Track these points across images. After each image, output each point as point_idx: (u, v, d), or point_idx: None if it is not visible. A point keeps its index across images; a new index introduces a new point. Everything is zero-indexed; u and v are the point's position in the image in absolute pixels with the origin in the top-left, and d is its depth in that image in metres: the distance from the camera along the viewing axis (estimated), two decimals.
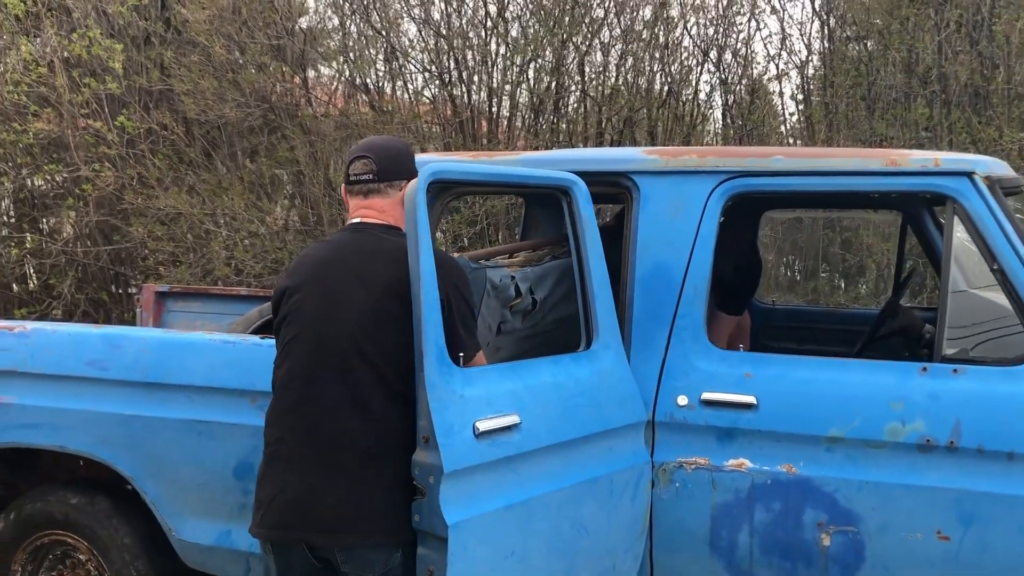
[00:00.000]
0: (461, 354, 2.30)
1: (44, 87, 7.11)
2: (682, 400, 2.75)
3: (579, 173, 2.83)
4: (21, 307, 7.41)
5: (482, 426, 2.21)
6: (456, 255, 2.72)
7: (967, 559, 2.50)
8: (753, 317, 4.48)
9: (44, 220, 7.96)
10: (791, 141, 7.07)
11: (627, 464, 2.65)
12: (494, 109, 7.18)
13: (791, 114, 7.29)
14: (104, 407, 3.11)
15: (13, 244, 7.21)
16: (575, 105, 7.15)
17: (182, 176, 7.12)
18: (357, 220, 2.42)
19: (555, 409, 2.45)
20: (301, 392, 2.26)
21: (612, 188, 3.03)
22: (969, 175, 2.66)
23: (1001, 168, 2.85)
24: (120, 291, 7.63)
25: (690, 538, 2.73)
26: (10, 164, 7.21)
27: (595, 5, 6.97)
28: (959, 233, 2.66)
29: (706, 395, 2.73)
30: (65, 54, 7.08)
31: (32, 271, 7.72)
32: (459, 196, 3.49)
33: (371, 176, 2.41)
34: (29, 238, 7.32)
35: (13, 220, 7.60)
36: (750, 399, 2.68)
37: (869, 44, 7.16)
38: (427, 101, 7.43)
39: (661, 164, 2.93)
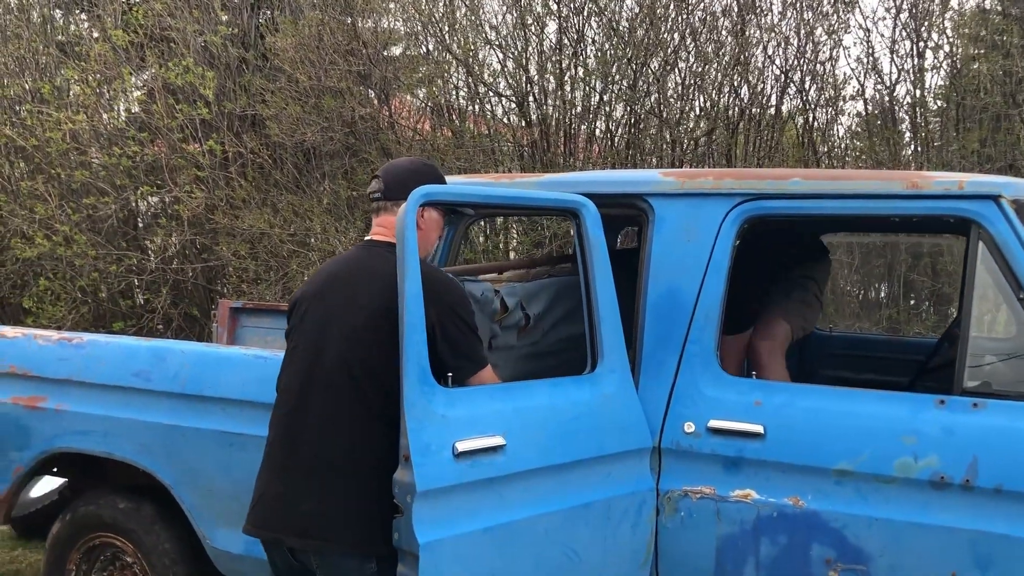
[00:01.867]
0: (450, 374, 2.33)
1: (144, 114, 7.54)
2: (689, 427, 2.69)
3: (596, 195, 2.83)
4: (123, 320, 7.84)
5: (462, 447, 2.23)
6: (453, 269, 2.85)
7: None
8: (809, 345, 4.35)
9: (145, 239, 8.41)
10: (867, 163, 6.83)
11: (628, 491, 2.61)
12: (572, 130, 7.22)
13: (873, 137, 7.04)
14: (147, 416, 3.25)
15: (112, 261, 7.64)
16: (651, 129, 7.10)
17: (267, 198, 7.41)
18: (369, 238, 2.54)
19: (548, 432, 2.44)
20: (291, 403, 2.39)
21: (629, 210, 3.01)
22: (995, 198, 2.52)
23: None
24: (211, 307, 7.97)
25: (695, 570, 2.67)
26: (114, 185, 7.65)
27: (666, 30, 6.92)
28: (984, 260, 2.53)
29: (713, 423, 2.66)
30: (162, 82, 7.48)
31: (136, 287, 8.17)
32: (480, 218, 3.52)
33: (380, 195, 2.51)
34: (131, 256, 7.74)
35: (118, 239, 8.05)
36: (757, 428, 2.61)
37: (959, 62, 6.86)
38: (505, 123, 7.53)
39: (677, 186, 2.89)
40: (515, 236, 7.59)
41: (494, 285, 2.95)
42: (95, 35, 8.57)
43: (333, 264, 2.55)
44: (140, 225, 8.57)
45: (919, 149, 6.87)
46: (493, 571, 2.28)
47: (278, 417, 2.44)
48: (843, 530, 2.49)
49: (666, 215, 2.88)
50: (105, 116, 7.58)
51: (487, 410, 2.34)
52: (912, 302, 6.75)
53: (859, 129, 7.19)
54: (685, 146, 7.05)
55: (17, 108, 8.16)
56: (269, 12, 8.91)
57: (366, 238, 2.56)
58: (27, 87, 8.19)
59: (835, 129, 7.19)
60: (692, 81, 6.99)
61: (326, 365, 2.35)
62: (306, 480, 2.31)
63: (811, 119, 6.91)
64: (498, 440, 2.31)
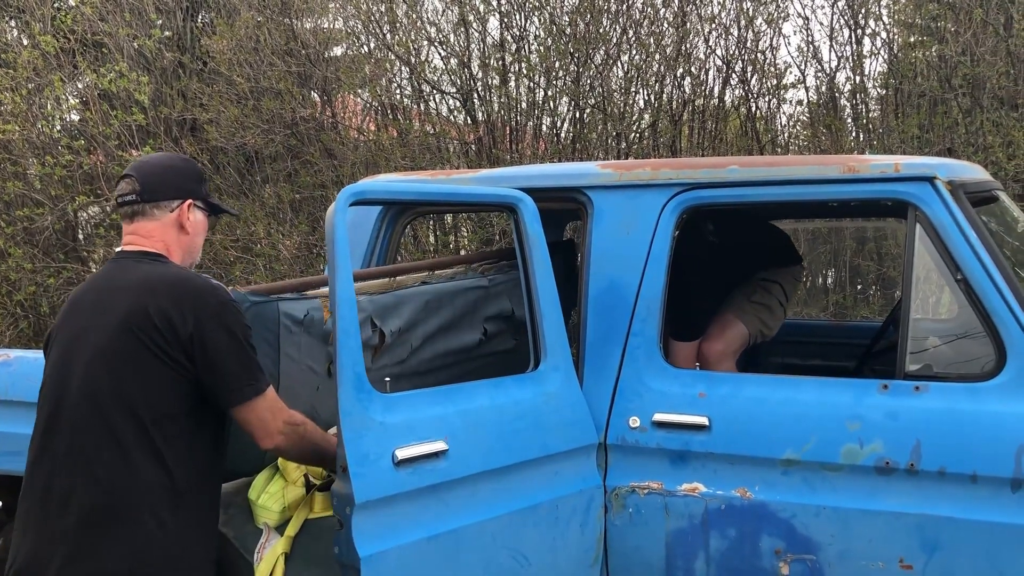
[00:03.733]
0: (230, 398, 2.05)
1: (79, 122, 7.32)
2: (634, 422, 2.66)
3: (534, 189, 2.78)
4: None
5: (402, 454, 2.16)
6: (242, 289, 2.40)
7: None
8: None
9: (84, 251, 8.19)
10: (811, 150, 6.87)
11: (575, 489, 2.56)
12: (518, 127, 7.16)
13: (811, 123, 7.09)
14: None
15: (51, 274, 7.42)
16: (595, 121, 7.08)
17: None
18: (119, 249, 2.20)
19: (491, 434, 2.39)
20: (39, 449, 2.05)
21: (568, 204, 2.97)
22: (931, 180, 2.52)
23: (969, 172, 2.71)
24: None
25: (646, 567, 2.63)
26: (49, 196, 7.43)
27: (608, 24, 6.89)
28: (922, 241, 2.53)
29: (658, 416, 2.63)
30: (96, 88, 7.28)
31: None
32: (418, 216, 3.45)
33: (134, 196, 2.17)
34: (70, 268, 7.53)
35: (56, 252, 7.82)
36: (702, 420, 2.58)
37: (896, 48, 6.93)
38: (450, 121, 7.45)
39: (615, 178, 2.86)
40: (465, 234, 7.52)
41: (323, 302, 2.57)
42: (24, 42, 8.32)
43: (79, 288, 2.21)
44: (80, 236, 8.35)
45: (861, 136, 6.93)
46: None
47: (29, 469, 2.07)
48: (792, 520, 2.47)
49: (604, 208, 2.85)
50: (38, 125, 7.35)
51: (427, 415, 2.28)
52: (859, 287, 6.81)
53: (802, 117, 7.24)
54: (631, 139, 7.04)
55: None
56: (205, 15, 8.73)
57: (116, 250, 2.21)
58: None
59: (778, 118, 7.23)
60: (635, 74, 6.98)
61: (70, 402, 2.01)
62: (56, 538, 1.95)
63: (754, 108, 6.94)
64: (440, 445, 2.25)
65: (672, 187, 2.78)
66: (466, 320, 2.96)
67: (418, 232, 7.17)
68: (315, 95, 7.69)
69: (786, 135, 7.28)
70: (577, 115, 7.14)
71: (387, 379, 2.38)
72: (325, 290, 2.53)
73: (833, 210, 3.76)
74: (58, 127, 8.02)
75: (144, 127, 7.31)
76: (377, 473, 2.11)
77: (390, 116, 7.45)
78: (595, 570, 2.64)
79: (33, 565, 1.97)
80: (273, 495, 2.41)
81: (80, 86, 8.20)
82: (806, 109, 7.07)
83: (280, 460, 2.48)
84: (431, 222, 7.51)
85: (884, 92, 6.89)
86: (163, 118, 7.39)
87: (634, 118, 6.95)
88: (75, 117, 8.41)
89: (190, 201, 2.23)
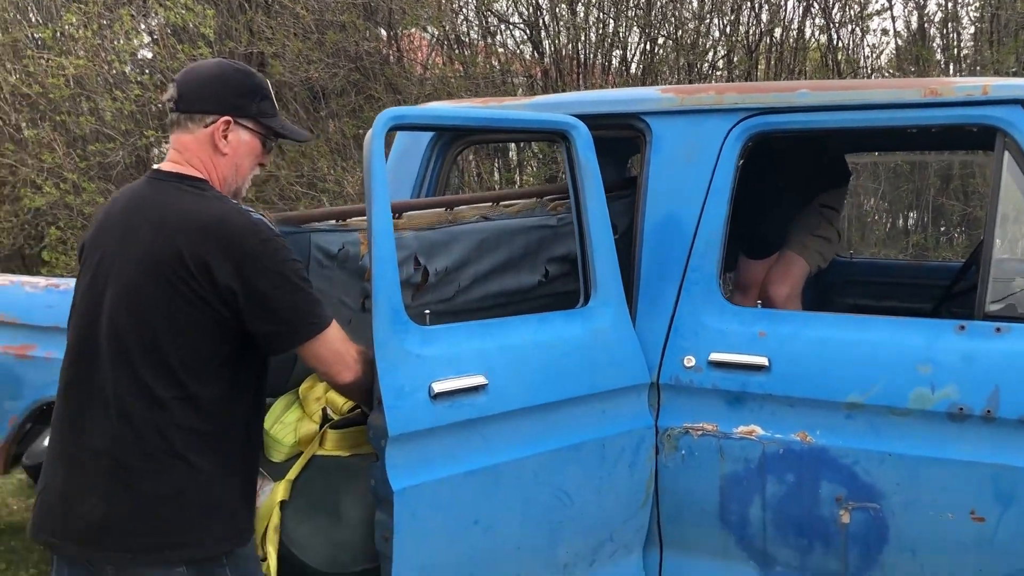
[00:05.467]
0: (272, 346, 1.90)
1: (148, 58, 7.36)
2: (688, 361, 2.53)
3: (590, 116, 2.63)
4: None
5: (439, 387, 2.08)
6: (272, 216, 2.12)
7: (1005, 543, 2.20)
8: (828, 272, 4.15)
9: None
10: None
11: (623, 429, 2.46)
12: (586, 60, 6.94)
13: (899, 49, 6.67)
14: None
15: None
16: (666, 53, 6.80)
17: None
18: (156, 167, 1.98)
19: (534, 370, 2.29)
20: (70, 376, 1.91)
21: (626, 132, 2.81)
22: (1023, 103, 2.29)
23: None
24: None
25: (698, 510, 2.53)
26: (120, 131, 7.51)
27: None
28: (1011, 171, 2.31)
29: (714, 355, 2.50)
30: (163, 23, 7.29)
31: None
32: (470, 145, 3.33)
33: (172, 104, 1.96)
34: None
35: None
36: (762, 360, 2.43)
37: None
38: (517, 55, 7.26)
39: (676, 103, 2.69)
40: (531, 170, 7.37)
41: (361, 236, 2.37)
42: None
43: (112, 203, 1.99)
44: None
45: (951, 68, 6.51)
46: (477, 516, 2.15)
47: (61, 390, 1.94)
48: (854, 466, 2.33)
49: (664, 135, 2.68)
50: (109, 60, 7.41)
51: (467, 348, 2.19)
52: (942, 228, 6.47)
53: (887, 49, 6.84)
54: (703, 71, 6.75)
55: (20, 55, 8.02)
56: None
57: (154, 167, 1.99)
58: (29, 34, 8.04)
59: (862, 50, 6.83)
60: (710, 3, 6.66)
61: (99, 335, 1.86)
62: (88, 475, 1.85)
63: (835, 39, 6.56)
64: (479, 380, 2.16)
65: (737, 112, 2.60)
66: (526, 261, 2.76)
67: (481, 170, 7.05)
68: (380, 29, 7.57)
69: (869, 68, 6.89)
70: (647, 47, 6.87)
71: (427, 312, 2.30)
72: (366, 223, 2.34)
73: (914, 139, 3.52)
74: (128, 63, 8.08)
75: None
76: (412, 406, 2.04)
77: (455, 50, 7.30)
78: (644, 512, 2.54)
79: (63, 501, 1.87)
80: (287, 426, 2.30)
81: (152, 23, 8.22)
82: (892, 39, 6.67)
83: (302, 388, 2.36)
84: (496, 160, 7.37)
85: (979, 20, 6.45)
86: (229, 52, 7.37)
87: (708, 49, 6.65)
88: (147, 54, 8.47)
89: (228, 118, 1.96)
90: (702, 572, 2.56)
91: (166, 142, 7.81)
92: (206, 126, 1.95)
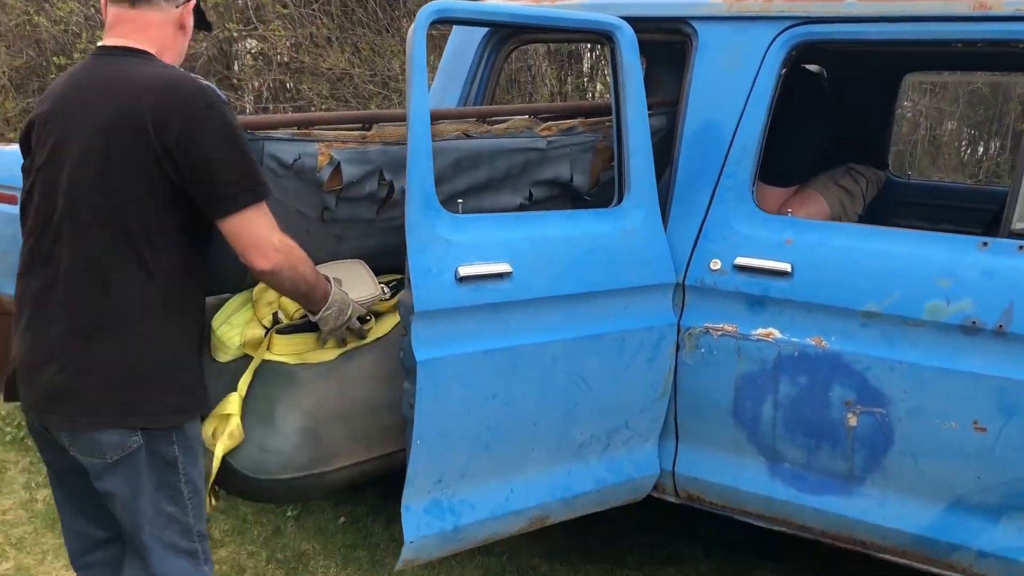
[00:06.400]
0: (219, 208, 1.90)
1: None
2: (715, 264, 2.61)
3: (637, 19, 2.67)
4: None
5: (464, 271, 2.22)
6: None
7: (1005, 453, 2.26)
8: (884, 193, 4.13)
9: (236, 79, 8.51)
10: None
11: (645, 325, 2.57)
12: None
13: None
14: None
15: None
16: None
17: (349, 37, 7.35)
18: (102, 43, 2.00)
19: (559, 262, 2.40)
20: (35, 253, 1.97)
21: (673, 36, 2.84)
22: None
23: None
24: None
25: (714, 406, 2.64)
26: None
27: None
28: None
29: (740, 260, 2.57)
30: None
31: None
32: (523, 44, 3.38)
33: None
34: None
35: (211, 78, 8.18)
36: (785, 266, 2.50)
37: None
38: None
39: (723, 9, 2.70)
40: (605, 76, 7.32)
41: (335, 146, 2.31)
42: None
43: (61, 84, 2.02)
44: (236, 67, 8.66)
45: None
46: (495, 391, 2.31)
47: (23, 272, 2.01)
48: (865, 372, 2.40)
49: (709, 40, 2.71)
50: None
51: (494, 237, 2.31)
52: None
53: None
54: None
55: None
56: None
57: (100, 43, 2.01)
58: None
59: None
60: None
61: (59, 212, 1.91)
62: (50, 344, 1.93)
63: None
64: (504, 267, 2.29)
65: (783, 20, 2.60)
66: (508, 182, 2.65)
67: (547, 78, 7.04)
68: None
69: None
70: None
71: (460, 200, 2.42)
72: (331, 132, 2.34)
73: (964, 57, 3.44)
74: None
75: None
76: (438, 286, 2.19)
77: None
78: (662, 404, 2.67)
79: (26, 370, 1.96)
80: (234, 327, 2.31)
81: None
82: None
83: (256, 290, 2.37)
84: (569, 70, 7.32)
85: None
86: None
87: None
88: None
89: (192, 1, 2.08)
90: (715, 464, 2.69)
91: (249, 37, 7.99)
92: (177, 6, 2.04)
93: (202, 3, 2.17)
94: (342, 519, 3.48)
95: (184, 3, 2.06)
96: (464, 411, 2.27)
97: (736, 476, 2.65)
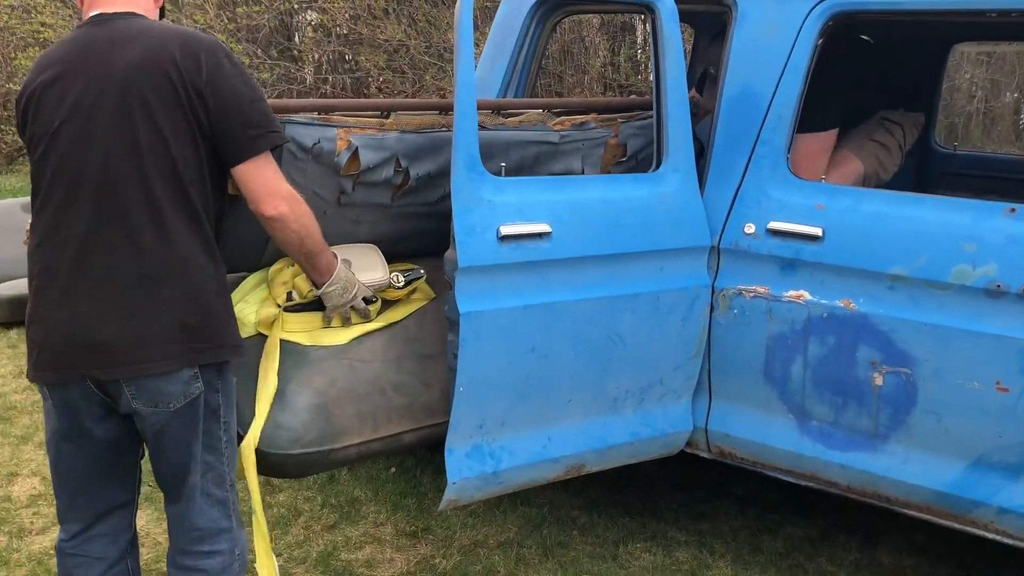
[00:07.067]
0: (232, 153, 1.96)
1: None
2: (749, 228, 2.71)
3: None
4: None
5: (505, 231, 2.36)
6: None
7: None
8: (928, 162, 4.16)
9: (296, 50, 8.74)
10: None
11: (680, 285, 2.69)
12: None
13: None
14: None
15: (266, 70, 8.03)
16: None
17: (405, 8, 7.49)
18: (97, 12, 2.01)
19: (596, 223, 2.53)
20: (62, 217, 1.96)
21: (713, 7, 2.93)
22: None
23: None
24: None
25: (745, 365, 2.75)
26: None
27: None
28: None
29: (773, 224, 2.67)
30: None
31: (288, 96, 8.62)
32: (569, 15, 3.48)
33: None
34: (282, 65, 8.11)
35: (272, 49, 8.41)
36: (816, 231, 2.60)
37: None
38: None
39: None
40: None
41: (354, 132, 2.38)
42: None
43: (57, 50, 2.02)
44: (297, 39, 8.90)
45: None
46: (534, 344, 2.45)
47: (48, 238, 1.98)
48: (891, 334, 2.49)
49: (748, 11, 2.80)
50: None
51: (535, 199, 2.45)
52: None
53: None
54: None
55: None
56: None
57: (92, 13, 2.02)
58: None
59: None
60: None
61: (95, 162, 1.92)
62: (104, 300, 1.93)
63: None
64: (543, 227, 2.42)
65: None
66: (521, 174, 2.69)
67: (600, 49, 7.11)
68: None
69: None
70: None
71: (503, 164, 2.55)
72: (351, 119, 2.41)
73: (1009, 26, 3.45)
74: None
75: None
76: (481, 244, 2.33)
77: None
78: (695, 363, 2.79)
79: (70, 333, 1.96)
80: (251, 304, 2.39)
81: None
82: None
83: (272, 270, 2.44)
84: (622, 41, 7.38)
85: None
86: None
87: None
88: None
89: None
90: (746, 421, 2.81)
91: (309, 9, 8.17)
92: None
93: None
94: (392, 469, 3.67)
95: None
96: (504, 362, 2.41)
97: (766, 433, 2.76)
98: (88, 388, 1.99)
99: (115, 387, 1.98)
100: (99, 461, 2.12)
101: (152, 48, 1.93)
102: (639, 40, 7.51)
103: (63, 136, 1.95)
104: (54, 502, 2.22)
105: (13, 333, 5.15)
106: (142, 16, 2.03)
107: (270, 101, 2.11)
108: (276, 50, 8.42)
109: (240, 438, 2.29)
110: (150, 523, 3.25)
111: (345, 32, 7.85)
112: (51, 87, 1.96)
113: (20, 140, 2.13)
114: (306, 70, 8.30)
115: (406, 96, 7.39)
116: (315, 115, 2.34)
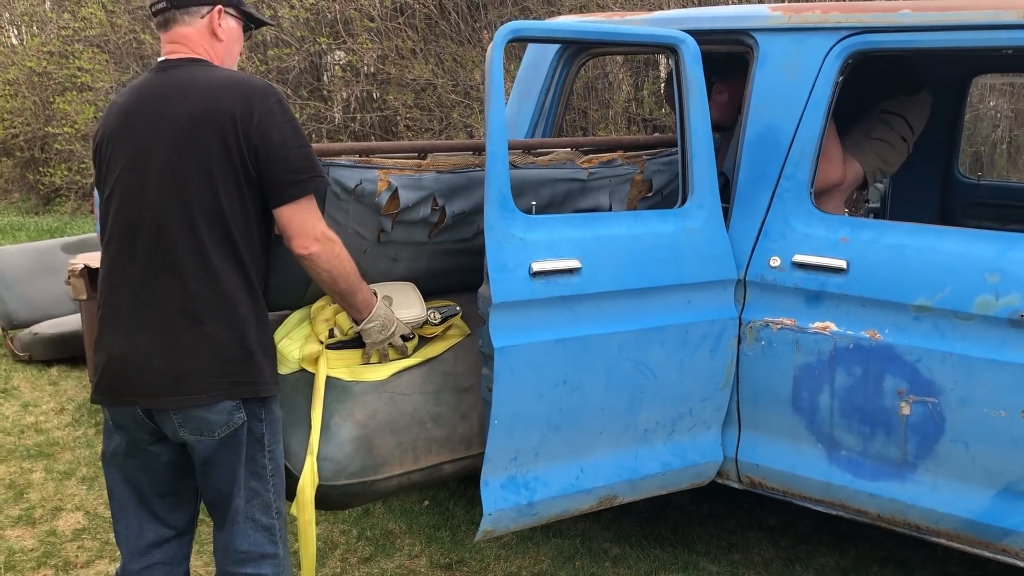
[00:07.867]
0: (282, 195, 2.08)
1: None
2: (774, 261, 2.77)
3: (702, 31, 2.86)
4: None
5: (537, 267, 2.44)
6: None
7: None
8: (953, 193, 4.20)
9: (326, 90, 8.93)
10: None
11: (707, 318, 2.75)
12: None
13: None
14: None
15: (297, 109, 8.21)
16: None
17: (432, 48, 7.66)
18: (162, 59, 2.19)
19: (624, 259, 2.60)
20: (123, 255, 2.12)
21: (735, 47, 3.01)
22: None
23: None
24: None
25: (773, 396, 2.80)
26: (296, 38, 8.15)
27: None
28: None
29: (798, 257, 2.73)
30: None
31: (317, 136, 8.81)
32: (594, 57, 3.58)
33: (164, 3, 2.18)
34: (312, 104, 8.29)
35: (302, 90, 8.61)
36: (840, 263, 2.65)
37: None
38: None
39: (783, 21, 2.87)
40: None
41: (393, 173, 2.48)
42: None
43: (125, 98, 2.19)
44: (325, 78, 9.11)
45: None
46: (565, 376, 2.52)
47: (111, 273, 2.15)
48: (917, 364, 2.54)
49: (770, 51, 2.88)
50: None
51: (565, 236, 2.53)
52: None
53: None
54: None
55: None
56: None
57: (159, 59, 2.21)
58: None
59: None
60: None
61: (149, 215, 2.08)
62: (152, 332, 2.08)
63: None
64: (574, 263, 2.50)
65: (840, 31, 2.75)
66: (550, 210, 2.79)
67: (624, 84, 7.20)
68: None
69: None
70: None
71: (533, 203, 2.63)
72: (390, 161, 2.51)
73: (1011, 60, 3.51)
74: None
75: None
76: (513, 281, 2.41)
77: None
78: (724, 394, 2.84)
79: (125, 364, 2.10)
80: (295, 341, 2.47)
81: None
82: None
83: (314, 308, 2.52)
84: (645, 76, 7.49)
85: None
86: None
87: None
88: None
89: (220, 7, 2.21)
90: (775, 451, 2.85)
91: (338, 50, 8.37)
92: (202, 16, 2.19)
93: (240, 3, 2.28)
94: (426, 502, 3.73)
95: (208, 13, 2.19)
96: (537, 395, 2.48)
97: (795, 463, 2.80)
98: (138, 415, 2.14)
99: (163, 416, 2.12)
100: (161, 482, 2.24)
101: (208, 100, 2.07)
102: (662, 75, 7.63)
103: (122, 182, 2.12)
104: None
105: (54, 371, 5.25)
106: (204, 62, 2.17)
107: (314, 145, 2.23)
108: (306, 90, 8.62)
109: (286, 470, 2.36)
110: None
111: (373, 72, 8.03)
112: (116, 133, 2.14)
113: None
114: (335, 109, 8.49)
115: (434, 133, 7.54)
116: (356, 157, 2.44)
